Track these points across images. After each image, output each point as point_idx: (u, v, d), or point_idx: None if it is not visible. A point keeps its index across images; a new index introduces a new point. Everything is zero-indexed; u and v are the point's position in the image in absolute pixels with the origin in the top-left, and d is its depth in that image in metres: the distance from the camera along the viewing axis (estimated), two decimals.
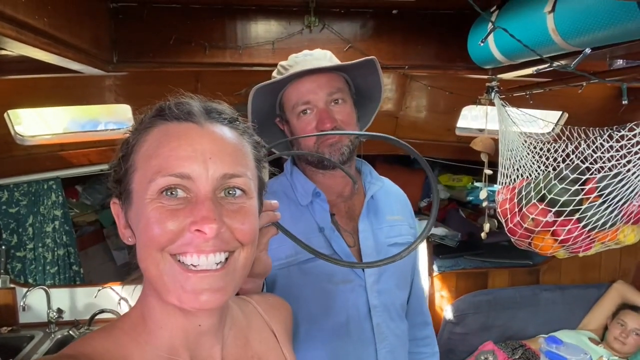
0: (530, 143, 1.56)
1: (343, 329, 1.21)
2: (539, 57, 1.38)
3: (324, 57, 1.27)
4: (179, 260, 0.60)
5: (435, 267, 2.80)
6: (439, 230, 3.15)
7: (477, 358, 2.51)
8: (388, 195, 1.41)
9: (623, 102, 1.08)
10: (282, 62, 1.29)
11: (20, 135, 2.35)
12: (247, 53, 1.78)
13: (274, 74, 1.29)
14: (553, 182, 1.32)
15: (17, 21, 1.03)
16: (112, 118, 2.66)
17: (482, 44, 1.22)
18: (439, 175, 3.78)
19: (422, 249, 2.76)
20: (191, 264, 0.59)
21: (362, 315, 1.23)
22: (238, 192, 0.63)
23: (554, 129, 2.44)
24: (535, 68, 1.16)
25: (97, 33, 1.58)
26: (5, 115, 2.15)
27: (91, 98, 2.25)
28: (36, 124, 2.69)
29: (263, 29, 1.79)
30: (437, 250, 2.90)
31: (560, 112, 2.48)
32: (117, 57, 1.71)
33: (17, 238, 2.62)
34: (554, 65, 0.94)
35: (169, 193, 0.60)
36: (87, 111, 2.64)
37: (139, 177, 0.62)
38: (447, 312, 2.68)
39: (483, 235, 1.81)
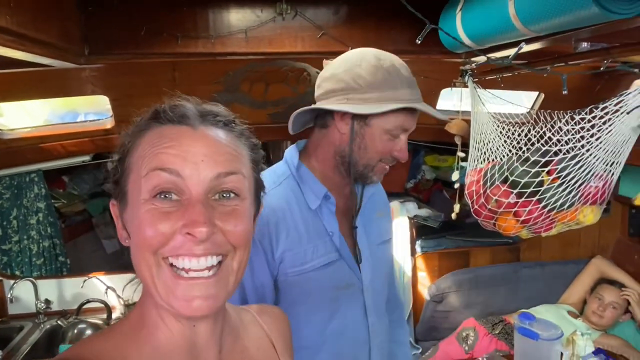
0: (499, 126, 1.59)
1: (344, 332, 1.24)
2: (505, 42, 1.40)
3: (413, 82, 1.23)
4: (171, 264, 0.60)
5: (418, 248, 2.85)
6: (423, 212, 3.19)
7: (458, 334, 2.58)
8: (373, 190, 1.40)
9: (563, 92, 1.10)
10: (397, 65, 1.19)
11: (0, 129, 2.35)
12: (220, 42, 1.78)
13: (383, 66, 1.17)
14: (515, 165, 1.35)
15: None
16: (91, 109, 2.66)
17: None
18: (425, 156, 3.81)
19: (405, 230, 2.80)
20: (183, 268, 0.60)
21: (360, 316, 1.27)
22: (231, 195, 0.63)
23: (530, 110, 2.47)
24: (475, 62, 1.18)
25: (66, 27, 1.57)
26: None
27: (68, 90, 2.24)
28: (18, 115, 2.68)
29: (235, 18, 1.78)
30: (420, 231, 2.95)
31: (537, 93, 2.50)
32: (89, 49, 1.71)
33: (1, 231, 2.64)
34: (490, 60, 0.96)
35: (162, 196, 0.60)
36: (66, 103, 2.63)
37: (132, 179, 0.63)
38: (430, 291, 2.74)
39: (453, 215, 1.85)
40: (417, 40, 1.24)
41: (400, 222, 2.78)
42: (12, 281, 2.43)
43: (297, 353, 1.10)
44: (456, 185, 1.89)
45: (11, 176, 2.60)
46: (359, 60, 1.18)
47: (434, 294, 2.70)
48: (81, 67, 1.75)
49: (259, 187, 0.72)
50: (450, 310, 2.73)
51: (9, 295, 2.38)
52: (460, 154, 1.84)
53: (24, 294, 2.47)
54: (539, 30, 1.21)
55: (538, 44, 1.47)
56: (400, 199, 3.15)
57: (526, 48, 1.42)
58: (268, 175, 1.23)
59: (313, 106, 1.20)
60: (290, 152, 1.27)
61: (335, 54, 1.34)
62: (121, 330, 0.68)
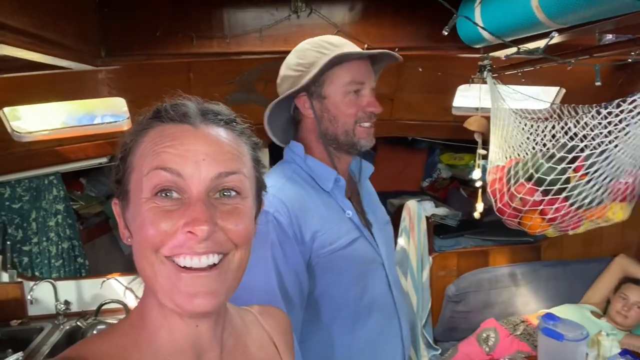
0: (521, 122, 1.55)
1: (375, 306, 1.27)
2: (527, 36, 1.37)
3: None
4: (173, 261, 0.60)
5: (435, 247, 2.81)
6: (440, 210, 3.15)
7: (478, 335, 2.54)
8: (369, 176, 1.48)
9: (596, 84, 1.06)
10: (324, 38, 1.25)
11: (18, 132, 2.37)
12: (235, 42, 1.77)
13: (308, 46, 1.24)
14: (540, 161, 1.31)
15: None
16: (108, 111, 2.67)
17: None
18: (441, 155, 3.76)
19: (422, 229, 2.76)
20: (184, 266, 0.60)
21: (385, 290, 1.31)
22: (233, 193, 0.63)
23: (551, 105, 2.41)
24: (505, 54, 1.15)
25: (83, 28, 1.58)
26: (0, 113, 2.16)
27: (85, 93, 2.26)
28: (36, 118, 2.71)
29: (250, 17, 1.77)
30: (438, 230, 2.91)
31: (557, 88, 2.45)
32: (105, 51, 1.71)
33: (22, 233, 2.67)
34: (521, 50, 0.93)
35: (163, 194, 0.60)
36: (82, 105, 2.64)
37: (134, 177, 0.63)
38: (449, 291, 2.70)
39: (476, 215, 1.82)
40: (444, 32, 1.23)
41: (417, 221, 2.75)
42: (32, 283, 2.45)
43: (335, 332, 1.16)
44: (478, 184, 1.85)
45: (30, 179, 2.62)
46: (291, 54, 1.28)
47: (453, 294, 2.66)
48: (98, 69, 1.75)
49: (260, 186, 0.72)
50: (470, 311, 2.68)
51: (28, 297, 2.41)
52: (481, 152, 1.81)
53: (44, 295, 2.49)
54: (563, 22, 1.18)
55: (561, 37, 1.43)
56: (417, 198, 3.11)
57: (542, 43, 1.39)
58: (276, 172, 1.29)
59: (268, 108, 1.27)
60: (293, 149, 1.31)
61: None
62: (121, 331, 0.68)
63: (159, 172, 0.60)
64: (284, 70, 1.29)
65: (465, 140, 3.02)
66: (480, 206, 1.88)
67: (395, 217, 2.55)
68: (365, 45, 1.82)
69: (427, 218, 2.81)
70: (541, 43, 1.37)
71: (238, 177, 0.63)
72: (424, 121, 2.76)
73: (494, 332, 2.50)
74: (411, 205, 2.76)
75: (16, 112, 2.47)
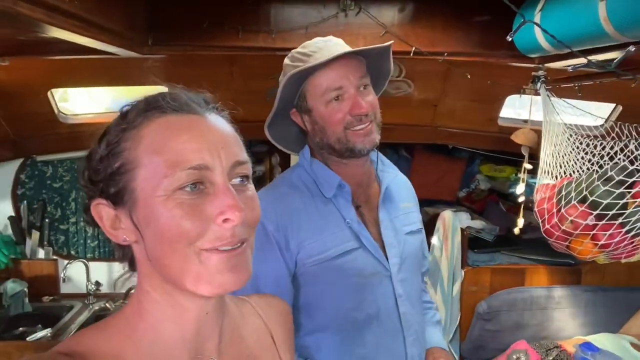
0: (576, 139, 1.46)
1: (374, 322, 1.22)
2: (589, 48, 1.28)
3: (342, 43, 1.24)
4: (216, 250, 0.61)
5: (469, 261, 2.72)
6: (476, 223, 3.04)
7: (509, 357, 2.43)
8: (397, 182, 1.40)
9: None
10: (300, 50, 1.24)
11: (64, 114, 2.43)
12: (281, 37, 1.74)
13: (288, 61, 1.25)
14: (596, 183, 1.23)
15: (47, 5, 1.03)
16: None
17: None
18: (481, 165, 3.65)
19: (457, 241, 2.67)
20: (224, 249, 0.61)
21: (391, 306, 1.24)
22: (245, 180, 0.65)
23: (605, 123, 2.28)
24: (572, 65, 1.07)
25: (132, 16, 1.58)
26: (48, 94, 2.22)
27: (130, 79, 2.29)
28: (82, 101, 2.77)
29: (297, 13, 1.74)
30: (473, 244, 2.81)
31: (613, 105, 2.31)
32: (152, 39, 1.72)
33: (60, 212, 2.74)
34: (591, 64, 0.86)
35: (188, 188, 0.59)
36: (127, 92, 2.69)
37: (145, 174, 0.60)
38: (480, 308, 2.60)
39: (516, 231, 1.73)
40: (508, 37, 1.16)
41: (451, 232, 2.66)
42: (66, 261, 2.51)
43: (328, 343, 1.13)
44: (521, 199, 1.76)
45: (72, 160, 2.69)
46: (285, 62, 1.27)
47: (484, 311, 2.56)
48: (144, 56, 1.76)
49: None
50: (500, 330, 2.57)
51: (62, 275, 2.47)
52: (528, 166, 1.72)
53: (76, 274, 2.55)
54: (633, 36, 1.09)
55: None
56: (453, 208, 3.02)
57: (608, 55, 1.29)
58: (281, 177, 1.32)
59: (266, 123, 1.30)
60: (303, 152, 1.32)
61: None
62: (115, 324, 0.67)
63: (187, 172, 0.59)
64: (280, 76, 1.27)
65: (509, 152, 2.91)
66: (521, 222, 1.79)
67: (429, 226, 2.47)
68: (413, 48, 1.76)
69: (462, 230, 2.71)
70: (604, 56, 1.28)
71: (248, 166, 0.66)
72: (467, 130, 2.67)
73: (524, 354, 2.39)
74: (446, 215, 2.68)
75: (65, 94, 2.53)
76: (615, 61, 0.85)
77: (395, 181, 1.37)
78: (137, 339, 0.65)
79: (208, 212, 0.59)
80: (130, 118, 0.64)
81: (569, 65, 1.14)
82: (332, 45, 1.21)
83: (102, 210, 0.64)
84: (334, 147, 1.22)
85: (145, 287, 0.66)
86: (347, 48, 1.20)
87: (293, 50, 1.26)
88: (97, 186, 0.64)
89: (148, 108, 0.63)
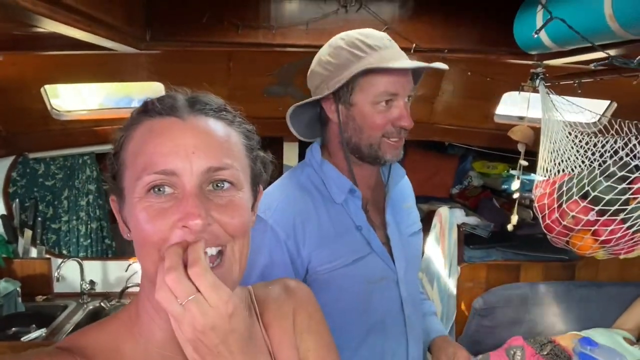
0: (576, 136, 1.47)
1: (380, 325, 1.21)
2: (591, 45, 1.28)
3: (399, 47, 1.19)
4: None
5: (465, 257, 2.73)
6: (471, 219, 3.06)
7: (506, 352, 2.46)
8: (402, 182, 1.38)
9: None
10: (362, 38, 1.13)
11: (57, 110, 2.39)
12: (280, 33, 1.73)
13: (343, 44, 1.13)
14: (598, 179, 1.24)
15: None
16: (146, 95, 2.67)
17: (535, 36, 1.13)
18: (474, 162, 3.67)
19: (452, 238, 2.68)
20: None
21: (396, 309, 1.24)
22: (226, 184, 0.63)
23: (600, 120, 2.30)
24: (593, 62, 1.07)
25: (130, 10, 1.56)
26: (41, 90, 2.18)
27: (125, 75, 2.26)
28: (74, 98, 2.73)
29: (297, 8, 1.73)
30: (468, 240, 2.83)
31: (608, 102, 2.33)
32: (150, 35, 1.69)
33: (52, 210, 2.70)
34: (615, 61, 0.86)
35: (156, 190, 0.60)
36: (121, 88, 2.66)
37: (128, 175, 0.63)
38: (476, 304, 2.62)
39: (509, 227, 1.74)
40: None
41: (448, 229, 2.67)
42: (59, 260, 2.47)
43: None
44: (515, 195, 1.78)
45: (65, 157, 2.65)
46: (325, 48, 1.18)
47: (480, 307, 2.58)
48: (140, 52, 1.73)
49: (255, 175, 0.71)
50: (496, 326, 2.60)
51: (55, 274, 2.43)
52: (524, 163, 1.73)
53: (70, 273, 2.52)
54: (639, 33, 1.10)
55: (624, 48, 1.34)
56: (447, 205, 3.03)
57: (610, 52, 1.30)
58: (288, 176, 1.25)
59: (290, 110, 1.20)
60: (312, 151, 1.26)
61: None
62: (116, 322, 0.69)
63: (152, 177, 0.59)
64: (314, 64, 1.20)
65: (503, 149, 2.93)
66: (515, 218, 1.80)
67: (424, 223, 2.47)
68: (414, 45, 1.76)
69: (458, 227, 2.73)
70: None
71: (229, 172, 0.63)
72: (464, 127, 2.68)
73: (520, 350, 2.42)
74: (443, 212, 2.68)
75: (55, 90, 2.49)
76: (638, 58, 0.85)
77: (401, 182, 1.35)
78: (136, 336, 0.67)
79: (171, 218, 0.59)
80: (129, 120, 0.66)
81: (592, 64, 1.12)
82: (397, 48, 1.17)
83: (114, 206, 0.68)
84: (362, 150, 1.17)
85: (142, 285, 0.69)
86: (406, 56, 1.16)
87: (351, 33, 1.15)
88: (112, 182, 0.67)
89: (140, 111, 0.65)
